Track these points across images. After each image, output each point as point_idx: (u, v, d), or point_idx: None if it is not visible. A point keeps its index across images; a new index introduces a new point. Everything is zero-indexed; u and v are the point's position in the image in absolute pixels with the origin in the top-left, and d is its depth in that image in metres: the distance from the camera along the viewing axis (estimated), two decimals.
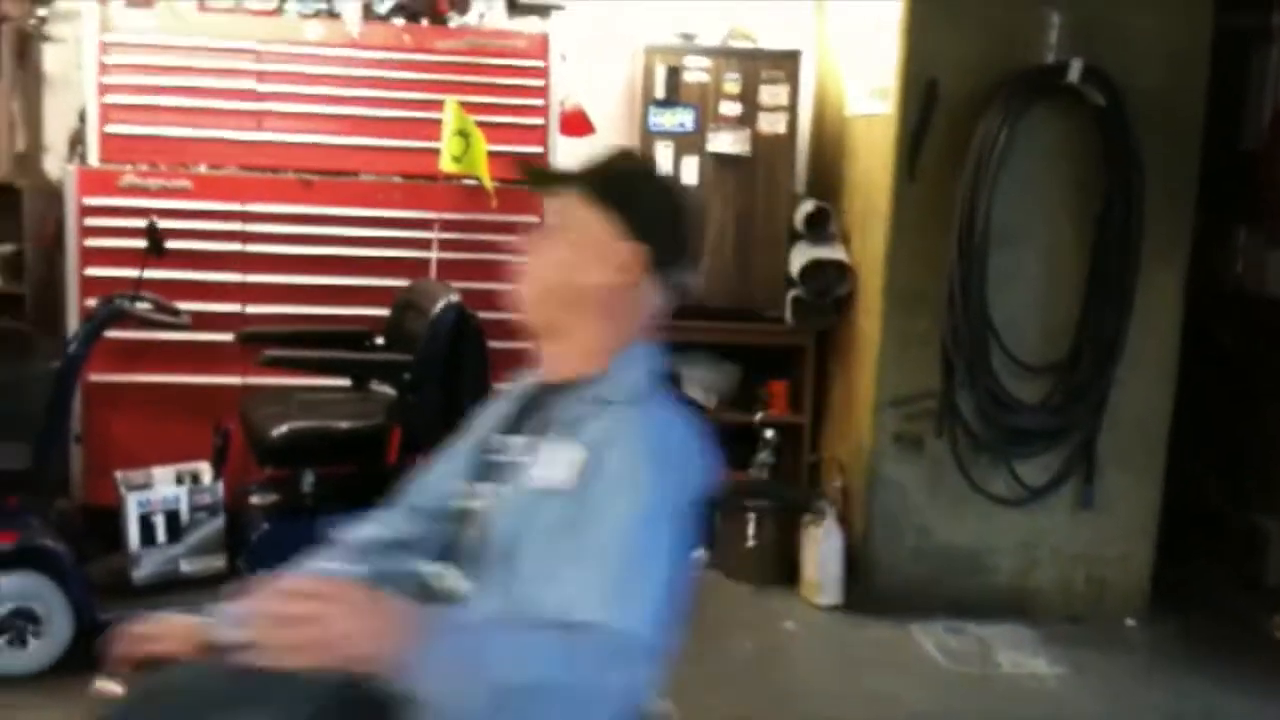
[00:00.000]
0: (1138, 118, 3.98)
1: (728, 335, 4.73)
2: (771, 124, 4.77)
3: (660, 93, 4.69)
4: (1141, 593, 4.30)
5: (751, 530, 4.32)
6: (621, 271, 1.61)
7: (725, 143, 4.72)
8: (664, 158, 4.68)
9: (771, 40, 4.90)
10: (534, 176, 1.69)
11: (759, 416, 4.67)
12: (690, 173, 4.70)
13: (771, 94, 4.77)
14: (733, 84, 4.73)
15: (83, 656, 3.10)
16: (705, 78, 4.72)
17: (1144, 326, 4.08)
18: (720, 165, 4.71)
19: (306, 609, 1.25)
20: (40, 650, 3.27)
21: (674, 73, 4.69)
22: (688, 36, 4.82)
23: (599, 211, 1.63)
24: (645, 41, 4.74)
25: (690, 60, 4.72)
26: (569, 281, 1.62)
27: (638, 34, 4.82)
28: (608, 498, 1.46)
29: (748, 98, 4.74)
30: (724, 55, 4.74)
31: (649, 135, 4.70)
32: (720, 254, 4.70)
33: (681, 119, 4.71)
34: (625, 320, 1.64)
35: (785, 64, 4.76)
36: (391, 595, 1.42)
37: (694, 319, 4.63)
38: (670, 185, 1.78)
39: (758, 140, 4.73)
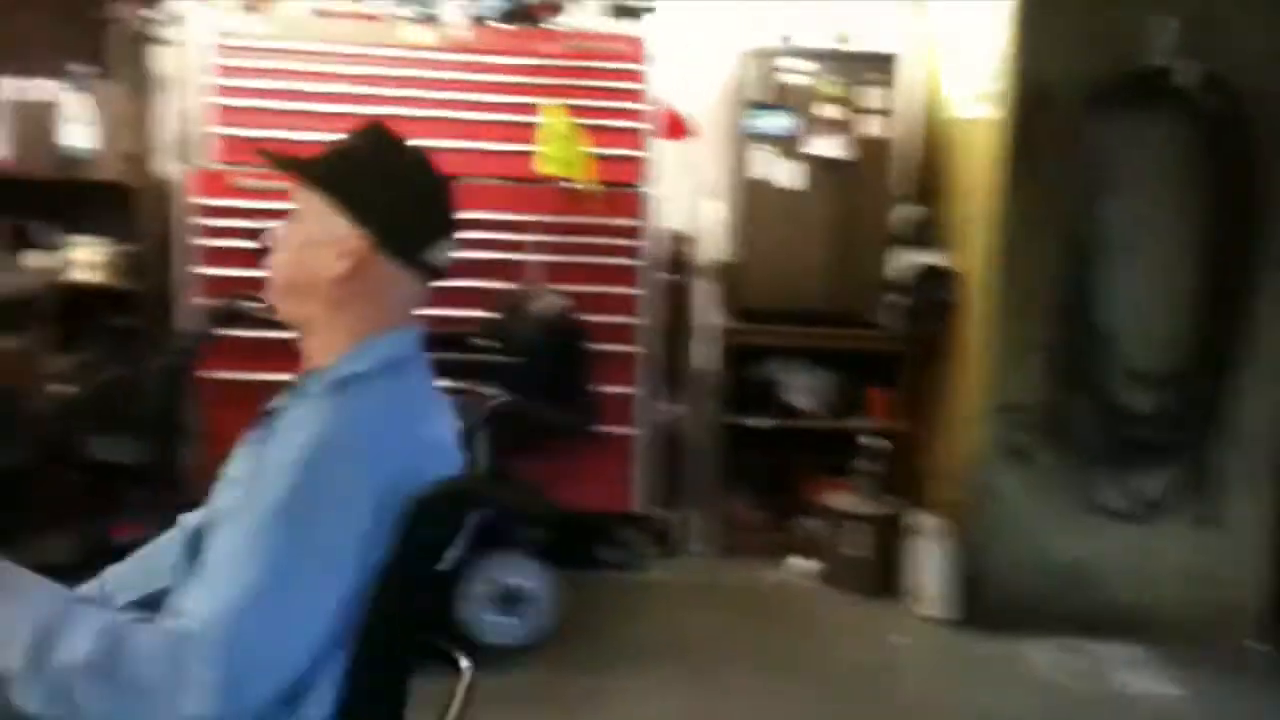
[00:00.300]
0: (1254, 121, 3.88)
1: (825, 340, 4.69)
2: (870, 127, 4.72)
3: (758, 96, 4.67)
4: (1262, 613, 4.17)
5: (853, 538, 4.28)
6: (346, 258, 1.57)
7: (824, 146, 4.68)
8: (762, 161, 4.67)
9: (869, 43, 4.86)
10: (275, 163, 1.65)
11: (858, 423, 4.63)
12: (788, 176, 4.67)
13: (870, 97, 4.73)
14: (831, 87, 4.69)
15: None
16: (804, 80, 4.69)
17: (1267, 337, 3.98)
18: (819, 169, 4.68)
19: None
20: None
21: (772, 75, 4.67)
22: (785, 39, 4.79)
23: (322, 198, 1.59)
24: (741, 44, 4.72)
25: (788, 63, 4.69)
26: (302, 273, 1.59)
27: (734, 36, 4.81)
28: (259, 492, 1.42)
29: (846, 101, 4.70)
30: (822, 58, 4.71)
31: (747, 138, 4.68)
32: (818, 258, 4.67)
33: (780, 122, 4.68)
34: (364, 308, 1.59)
35: (883, 67, 4.72)
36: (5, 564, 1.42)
37: (791, 324, 4.61)
38: (404, 163, 1.65)
39: (857, 144, 4.69)
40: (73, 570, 3.22)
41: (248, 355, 3.96)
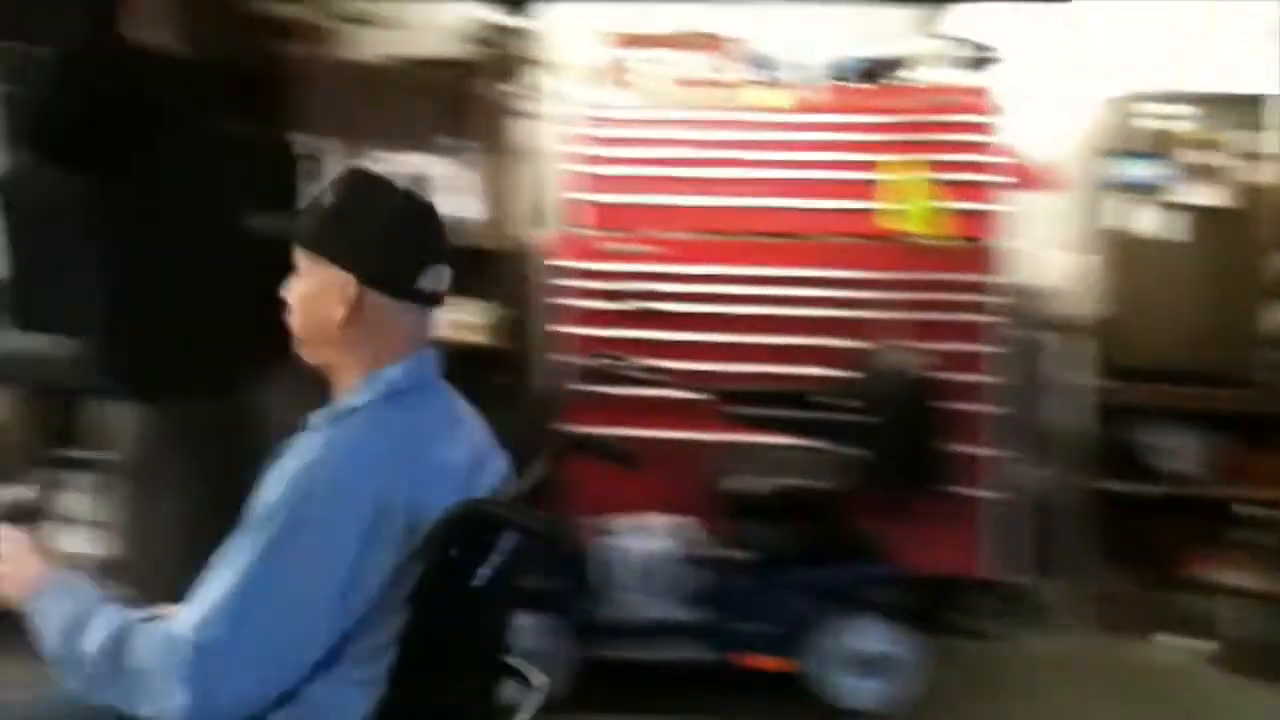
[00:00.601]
0: None
1: (1202, 401, 4.35)
2: (1244, 173, 4.39)
3: (1122, 143, 4.44)
4: None
5: (1242, 617, 3.92)
6: (345, 303, 1.66)
7: (1197, 194, 4.39)
8: (1128, 211, 4.43)
9: (1235, 85, 4.53)
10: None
11: (1240, 491, 4.27)
12: (1158, 226, 4.41)
13: (1241, 141, 4.40)
14: (1201, 131, 4.40)
15: (573, 694, 3.27)
16: (1171, 126, 4.42)
17: None
18: (1192, 218, 4.38)
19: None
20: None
21: (1136, 122, 4.43)
22: (1149, 84, 4.54)
23: (310, 252, 1.69)
24: (1099, 90, 4.52)
25: (1154, 108, 4.44)
26: (310, 324, 1.71)
27: (1089, 83, 4.60)
28: (250, 515, 1.57)
29: (1218, 145, 4.39)
30: (1188, 101, 4.43)
31: (1109, 188, 4.46)
32: (1193, 312, 4.36)
33: (1147, 170, 4.43)
34: (371, 344, 1.69)
35: (1252, 109, 4.39)
36: (59, 561, 1.69)
37: (1164, 382, 4.33)
38: (380, 203, 1.71)
39: (1231, 191, 4.37)
40: None
41: (614, 411, 4.10)
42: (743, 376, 4.10)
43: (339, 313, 1.68)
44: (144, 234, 2.57)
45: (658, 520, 3.71)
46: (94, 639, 1.56)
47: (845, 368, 3.84)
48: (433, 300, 1.74)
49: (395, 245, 1.70)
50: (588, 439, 3.57)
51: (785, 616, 3.52)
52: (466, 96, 4.72)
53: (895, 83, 4.45)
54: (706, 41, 4.53)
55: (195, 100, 2.65)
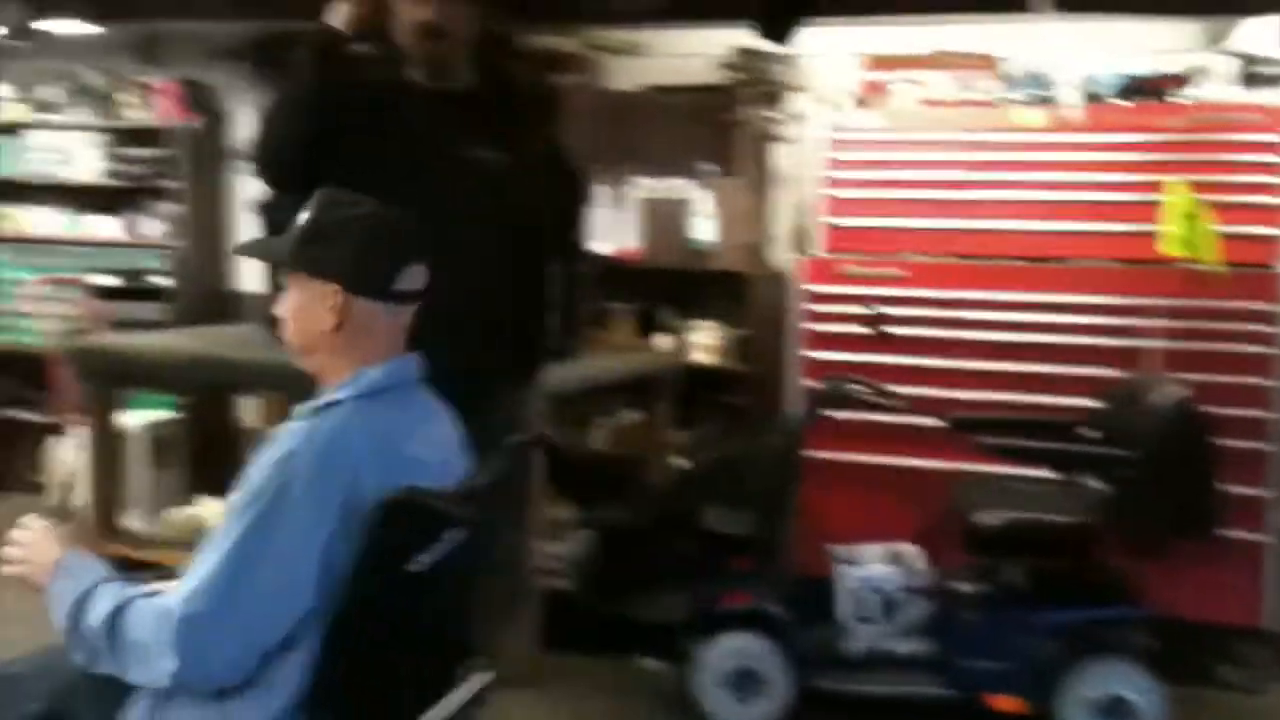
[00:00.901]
0: None
1: None
2: None
3: None
4: None
5: None
6: (334, 311, 1.84)
7: None
8: None
9: None
10: (240, 252, 1.87)
11: None
12: None
13: None
14: None
15: None
16: None
17: None
18: None
19: (19, 548, 1.86)
20: (758, 710, 3.44)
21: None
22: None
23: (296, 272, 1.88)
24: None
25: None
26: (303, 334, 1.89)
27: None
28: (238, 501, 1.73)
29: None
30: None
31: None
32: None
33: None
34: (359, 347, 1.86)
35: None
36: (81, 549, 1.87)
37: None
38: (350, 215, 1.89)
39: None
40: (685, 628, 3.49)
41: (850, 437, 4.06)
42: (987, 404, 3.97)
43: (329, 321, 1.85)
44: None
45: (891, 548, 3.63)
46: (97, 614, 1.73)
47: (1101, 398, 3.65)
48: (412, 298, 1.92)
49: (372, 253, 1.88)
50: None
51: (1026, 655, 3.36)
52: (725, 122, 4.80)
53: (1165, 99, 4.21)
54: (963, 61, 4.43)
55: (458, 129, 2.80)
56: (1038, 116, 4.22)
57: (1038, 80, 4.35)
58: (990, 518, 3.41)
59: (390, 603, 1.74)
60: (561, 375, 3.68)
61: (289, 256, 1.90)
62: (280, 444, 1.77)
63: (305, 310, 1.89)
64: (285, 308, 1.92)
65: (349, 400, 1.83)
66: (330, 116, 2.68)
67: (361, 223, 1.90)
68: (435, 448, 1.91)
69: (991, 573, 3.51)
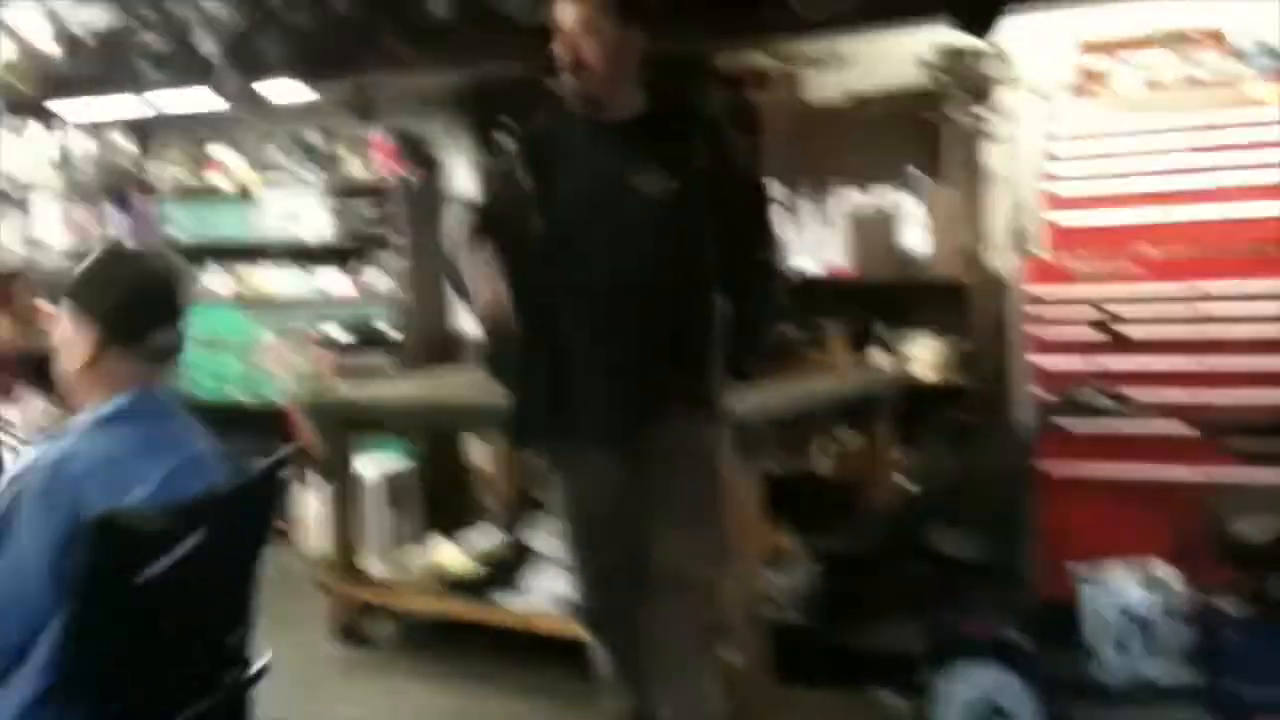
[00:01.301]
0: None
1: None
2: None
3: None
4: None
5: None
6: (87, 354, 2.04)
7: None
8: None
9: None
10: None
11: None
12: None
13: None
14: None
15: None
16: None
17: None
18: None
19: None
20: None
21: None
22: None
23: (66, 304, 2.07)
24: None
25: None
26: (64, 364, 2.09)
27: None
28: None
29: None
30: None
31: None
32: None
33: None
34: (106, 385, 2.04)
35: None
36: None
37: None
38: (128, 270, 2.12)
39: None
40: (922, 659, 3.34)
41: (1090, 448, 3.81)
42: (1240, 406, 3.66)
43: (81, 360, 2.05)
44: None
45: (1143, 567, 3.37)
46: None
47: None
48: (164, 356, 2.10)
49: (131, 308, 2.06)
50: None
51: None
52: (931, 126, 4.62)
53: None
54: (1188, 38, 4.11)
55: (620, 157, 2.80)
56: (1276, 91, 3.88)
57: (1273, 52, 4.00)
58: (1254, 529, 3.13)
59: (119, 612, 1.85)
60: (766, 399, 3.60)
61: (64, 288, 2.09)
62: (20, 462, 1.99)
63: (66, 345, 2.08)
64: (54, 334, 2.11)
65: (83, 425, 2.01)
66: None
67: (131, 279, 2.10)
68: (171, 465, 2.02)
69: (1258, 590, 3.21)
